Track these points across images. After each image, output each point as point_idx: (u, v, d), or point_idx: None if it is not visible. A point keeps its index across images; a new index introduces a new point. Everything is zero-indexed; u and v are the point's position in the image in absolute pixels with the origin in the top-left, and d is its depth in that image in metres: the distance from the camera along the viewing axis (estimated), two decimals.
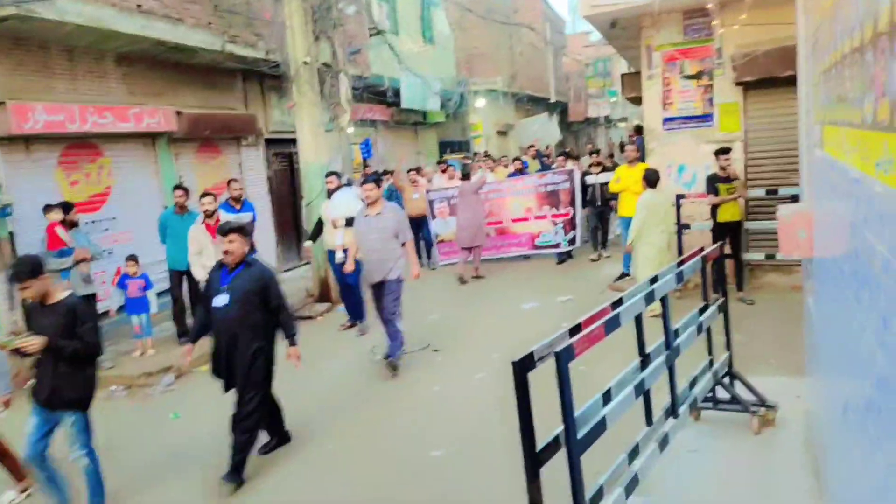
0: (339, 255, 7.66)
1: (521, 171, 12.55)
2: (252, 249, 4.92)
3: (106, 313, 7.46)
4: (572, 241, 11.17)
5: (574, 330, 3.02)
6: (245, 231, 4.70)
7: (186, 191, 7.95)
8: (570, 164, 12.06)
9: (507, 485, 4.15)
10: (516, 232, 11.49)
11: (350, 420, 5.48)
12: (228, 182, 8.39)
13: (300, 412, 5.53)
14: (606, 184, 10.29)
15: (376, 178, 6.64)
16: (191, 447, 5.23)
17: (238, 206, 8.32)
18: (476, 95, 21.42)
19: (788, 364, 5.47)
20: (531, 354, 2.69)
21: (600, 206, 11.24)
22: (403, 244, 6.41)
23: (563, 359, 2.64)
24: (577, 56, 25.12)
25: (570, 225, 11.09)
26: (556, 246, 11.20)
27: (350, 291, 7.94)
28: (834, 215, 2.75)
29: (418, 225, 11.09)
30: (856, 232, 2.10)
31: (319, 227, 8.29)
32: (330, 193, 8.14)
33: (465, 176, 10.72)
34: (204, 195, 7.46)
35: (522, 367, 2.63)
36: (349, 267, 6.90)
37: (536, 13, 25.60)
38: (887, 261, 1.61)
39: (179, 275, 7.73)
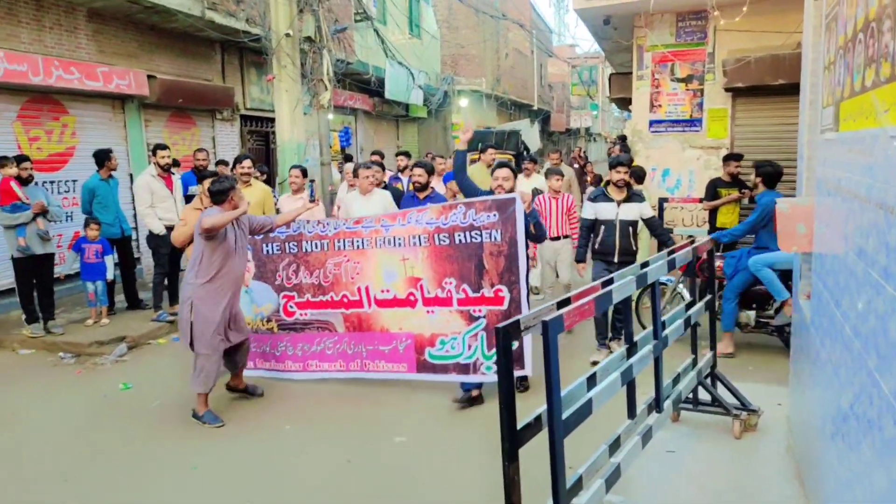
0: None
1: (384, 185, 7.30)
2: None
3: (58, 279, 7.07)
4: None
5: (563, 303, 2.77)
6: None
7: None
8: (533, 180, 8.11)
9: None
10: (385, 327, 5.25)
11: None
12: (195, 151, 8.03)
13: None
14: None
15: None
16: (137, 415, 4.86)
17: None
18: (459, 95, 21.22)
19: (767, 374, 5.37)
20: (517, 322, 2.42)
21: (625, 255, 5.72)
22: None
23: (552, 329, 2.38)
24: (563, 59, 25.08)
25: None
26: (467, 368, 4.98)
27: None
28: (851, 200, 2.54)
29: None
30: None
31: None
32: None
33: (217, 194, 4.58)
34: (162, 147, 7.36)
35: (506, 336, 2.36)
36: None
37: (525, 19, 25.55)
38: None
39: (112, 244, 7.29)
